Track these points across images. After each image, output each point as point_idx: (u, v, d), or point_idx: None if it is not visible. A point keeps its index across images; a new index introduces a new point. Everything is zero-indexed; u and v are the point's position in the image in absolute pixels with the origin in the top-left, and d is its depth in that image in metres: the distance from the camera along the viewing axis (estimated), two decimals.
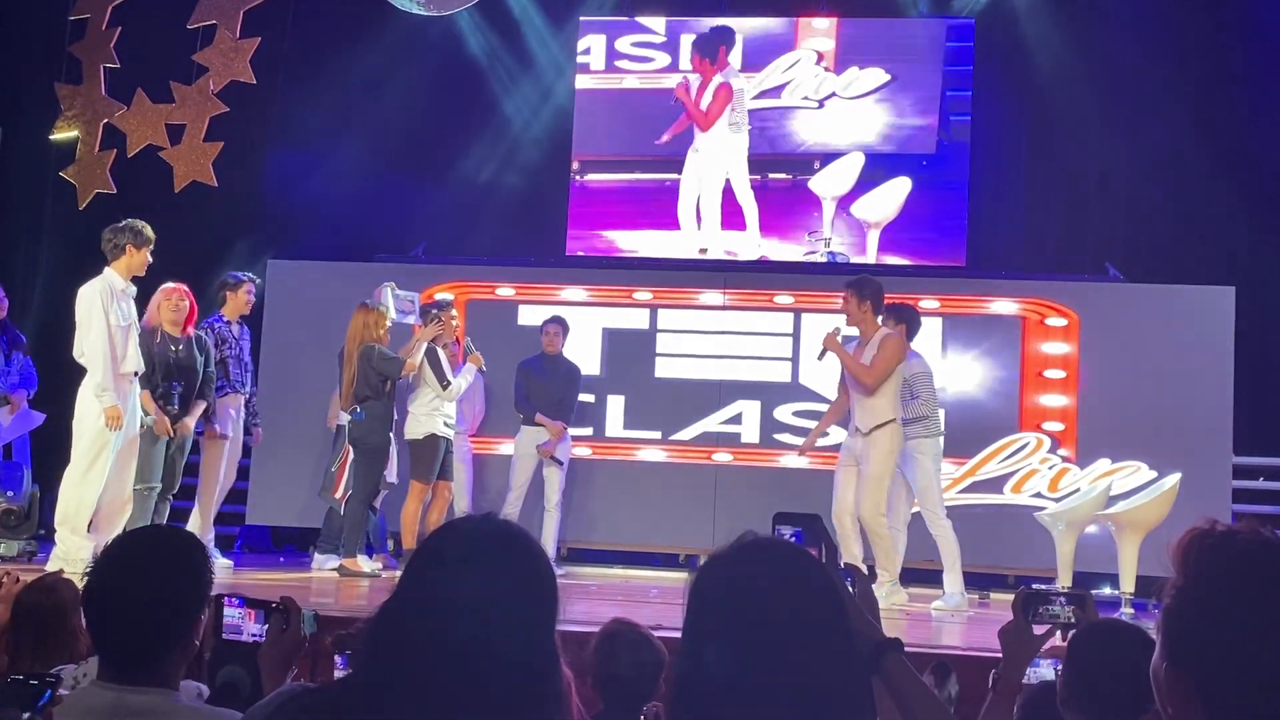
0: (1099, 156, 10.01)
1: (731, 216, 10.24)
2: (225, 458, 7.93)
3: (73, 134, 9.98)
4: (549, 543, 8.48)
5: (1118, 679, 2.45)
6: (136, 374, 7.14)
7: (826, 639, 1.66)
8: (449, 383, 8.13)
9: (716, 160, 10.25)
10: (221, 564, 7.68)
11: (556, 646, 1.71)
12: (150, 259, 7.22)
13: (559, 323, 8.81)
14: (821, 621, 1.67)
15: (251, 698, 2.54)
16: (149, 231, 7.17)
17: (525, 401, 8.65)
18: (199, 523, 7.86)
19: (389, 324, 8.26)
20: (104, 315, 6.90)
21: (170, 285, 7.63)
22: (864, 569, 6.85)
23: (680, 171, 10.36)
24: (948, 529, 7.43)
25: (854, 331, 7.50)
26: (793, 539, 2.06)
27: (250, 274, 8.30)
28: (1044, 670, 2.80)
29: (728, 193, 10.24)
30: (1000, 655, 2.69)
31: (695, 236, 10.27)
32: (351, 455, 8.13)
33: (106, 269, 7.10)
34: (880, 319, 7.40)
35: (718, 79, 10.25)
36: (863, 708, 1.70)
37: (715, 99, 10.24)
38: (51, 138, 10.01)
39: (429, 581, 1.69)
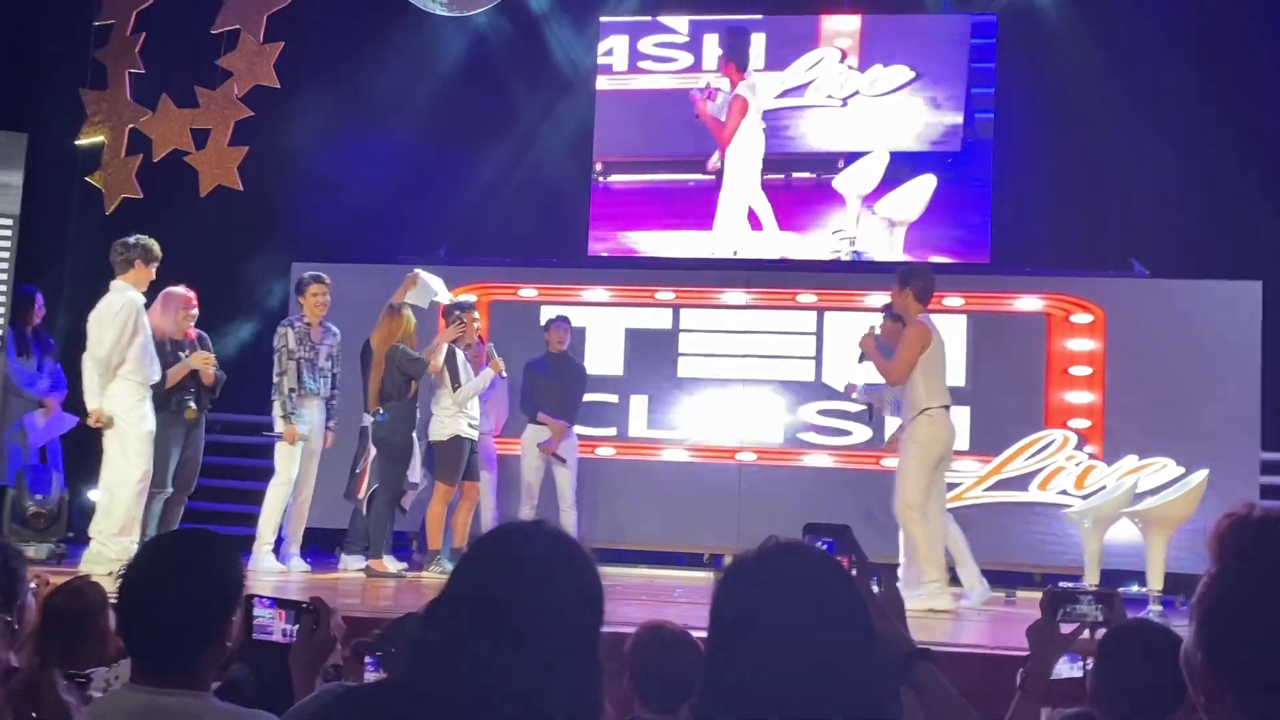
0: (1123, 151, 9.95)
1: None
2: (296, 461, 8.03)
3: (98, 139, 10.03)
4: None
5: (1147, 679, 2.44)
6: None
7: (850, 644, 1.66)
8: (461, 386, 8.17)
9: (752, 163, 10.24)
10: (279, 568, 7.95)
11: (600, 654, 1.71)
12: (154, 275, 7.40)
13: (565, 322, 8.86)
14: (845, 627, 1.67)
15: (261, 700, 2.55)
16: (158, 250, 7.43)
17: (530, 402, 8.71)
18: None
19: (434, 299, 8.46)
20: (134, 327, 7.21)
21: (179, 292, 7.75)
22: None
23: (703, 172, 10.35)
24: (950, 524, 7.39)
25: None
26: (824, 549, 2.06)
27: (318, 273, 8.30)
28: (1066, 667, 2.79)
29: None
30: (1027, 653, 2.69)
31: (740, 239, 10.23)
32: (373, 455, 8.18)
33: (122, 281, 7.29)
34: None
35: (740, 89, 10.22)
36: (887, 714, 1.70)
37: (730, 114, 10.23)
38: (77, 143, 10.06)
39: (478, 584, 1.71)
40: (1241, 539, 1.45)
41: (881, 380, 7.75)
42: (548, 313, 9.65)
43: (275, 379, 8.07)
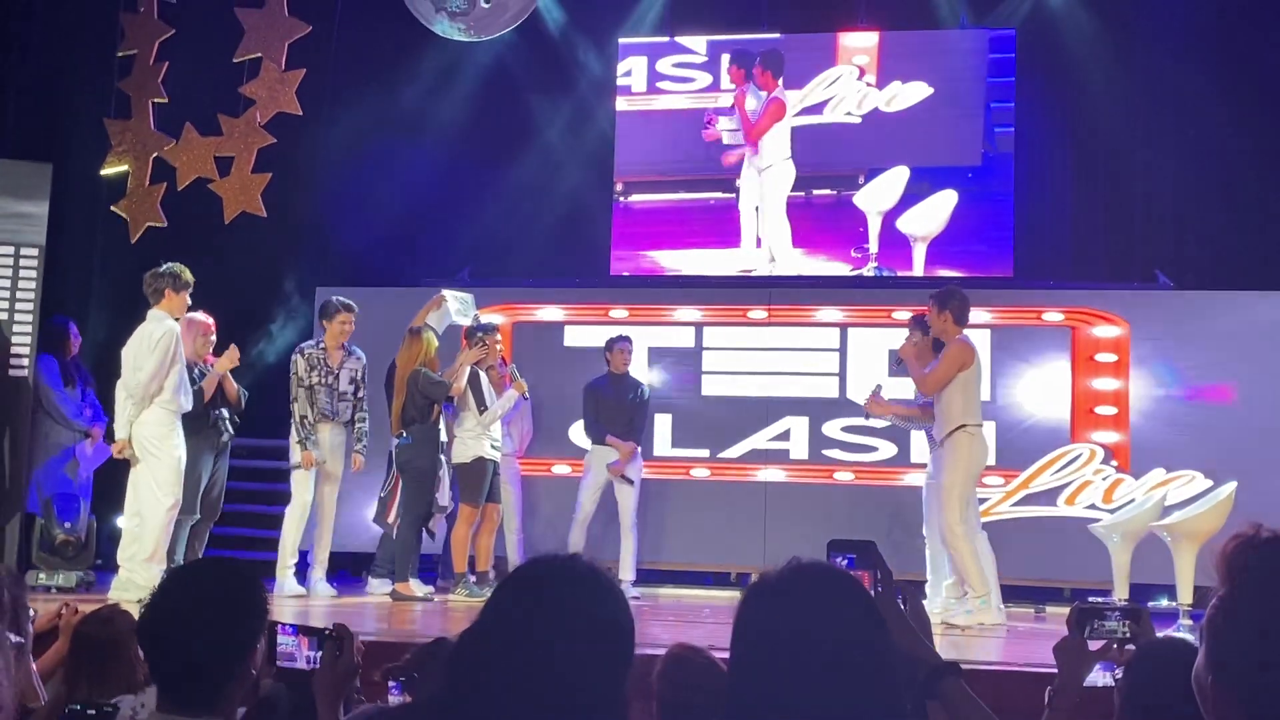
0: (1145, 163, 9.91)
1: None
2: (310, 487, 8.08)
3: (123, 168, 10.12)
4: (628, 563, 8.49)
5: (1175, 698, 2.42)
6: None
7: (871, 663, 1.66)
8: (486, 408, 8.17)
9: (770, 181, 10.23)
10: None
11: (626, 689, 1.72)
12: (189, 301, 7.46)
13: (629, 341, 8.75)
14: (866, 646, 1.67)
15: (292, 717, 2.56)
16: (188, 276, 7.50)
17: (596, 424, 8.61)
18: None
19: (452, 323, 8.52)
20: (173, 356, 7.27)
21: (198, 318, 7.84)
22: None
23: (724, 190, 10.37)
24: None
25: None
26: (846, 565, 2.06)
27: (348, 301, 8.34)
28: (1100, 675, 2.77)
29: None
30: (1055, 671, 2.67)
31: (751, 256, 10.22)
32: (401, 480, 8.20)
33: (159, 310, 7.37)
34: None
35: (775, 93, 10.22)
36: None
37: (765, 113, 10.22)
38: (102, 173, 10.15)
39: (510, 614, 1.72)
40: (1247, 560, 1.44)
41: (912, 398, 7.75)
42: (571, 333, 9.68)
43: (291, 405, 8.16)
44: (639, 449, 8.66)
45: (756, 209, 10.25)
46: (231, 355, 7.89)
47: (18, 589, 3.15)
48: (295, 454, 8.10)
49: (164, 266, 7.49)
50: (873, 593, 2.03)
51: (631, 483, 8.54)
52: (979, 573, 6.95)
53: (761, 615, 1.72)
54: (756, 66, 10.32)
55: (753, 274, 10.18)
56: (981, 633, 6.77)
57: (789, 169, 10.15)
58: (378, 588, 8.25)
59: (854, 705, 1.63)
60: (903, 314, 8.99)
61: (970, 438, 7.04)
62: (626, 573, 8.43)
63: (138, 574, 7.05)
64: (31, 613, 3.34)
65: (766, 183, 10.17)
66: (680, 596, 8.94)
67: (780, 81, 10.26)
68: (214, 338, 8.00)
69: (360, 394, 8.31)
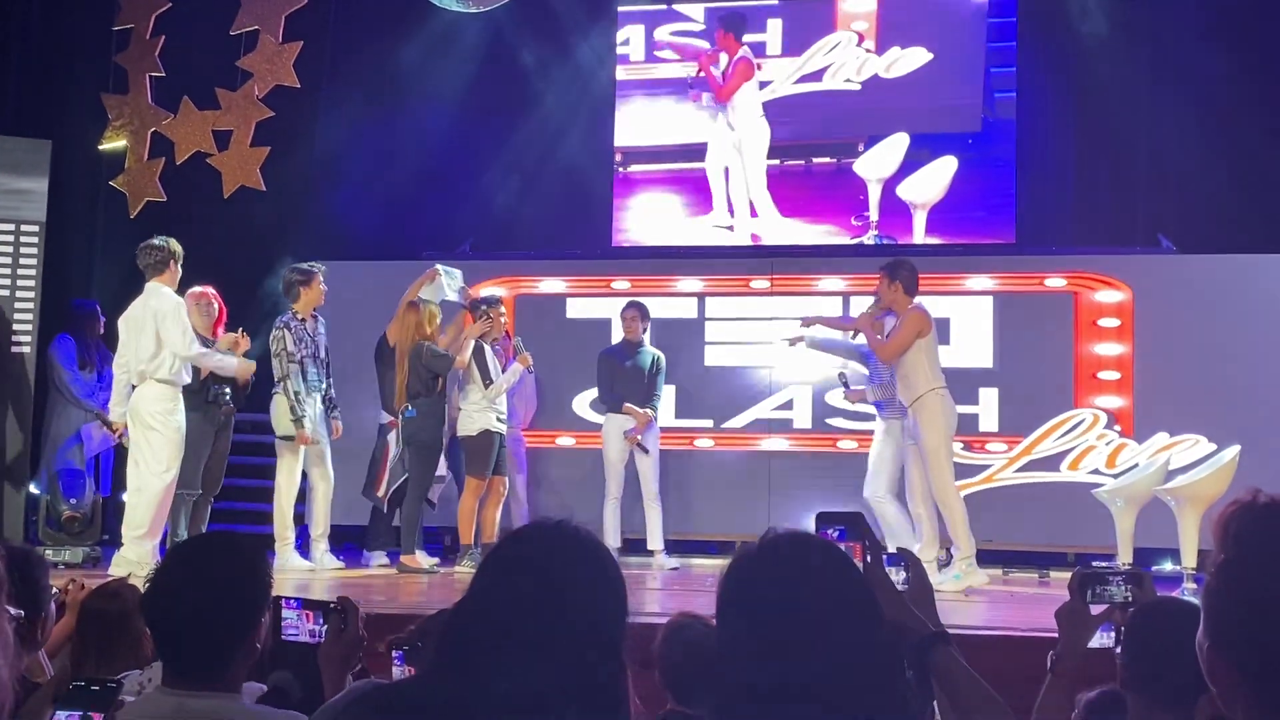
0: (1148, 126, 9.86)
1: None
2: (300, 459, 8.01)
3: (121, 143, 10.10)
4: (655, 535, 8.54)
5: (1176, 658, 2.42)
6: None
7: (855, 633, 1.66)
8: (491, 382, 8.18)
9: (747, 141, 10.15)
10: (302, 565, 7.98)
11: (622, 650, 1.72)
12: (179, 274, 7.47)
13: (638, 308, 8.75)
14: (848, 616, 1.67)
15: (303, 702, 2.57)
16: (179, 247, 7.40)
17: (610, 391, 8.63)
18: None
19: (444, 298, 8.42)
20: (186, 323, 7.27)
21: (198, 289, 7.81)
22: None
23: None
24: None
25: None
26: (836, 537, 2.06)
27: (315, 263, 8.27)
28: (1098, 636, 2.77)
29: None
30: (1057, 636, 2.68)
31: (742, 222, 10.18)
32: (393, 453, 8.21)
33: (159, 283, 7.29)
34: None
35: (740, 53, 10.14)
36: (899, 699, 1.70)
37: (735, 72, 10.14)
38: (100, 148, 10.13)
39: (500, 584, 1.72)
40: (1244, 525, 1.43)
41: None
42: (574, 305, 9.67)
43: (279, 381, 7.92)
44: (656, 418, 8.67)
45: (726, 170, 10.18)
46: (239, 342, 7.82)
47: (39, 571, 3.16)
48: (282, 427, 7.93)
49: (160, 239, 7.41)
50: (862, 564, 2.03)
51: (648, 451, 8.57)
52: (967, 533, 7.05)
53: (742, 589, 1.72)
54: (718, 30, 10.24)
55: (759, 243, 10.14)
56: (975, 598, 6.81)
57: (764, 127, 10.08)
58: (377, 560, 8.31)
59: (843, 675, 1.63)
60: None
61: (940, 398, 7.14)
62: (656, 543, 8.52)
63: (129, 550, 7.05)
64: (55, 591, 3.35)
65: (745, 143, 10.11)
66: (683, 566, 8.95)
67: (743, 43, 10.15)
68: (215, 306, 7.96)
69: (329, 360, 8.21)
